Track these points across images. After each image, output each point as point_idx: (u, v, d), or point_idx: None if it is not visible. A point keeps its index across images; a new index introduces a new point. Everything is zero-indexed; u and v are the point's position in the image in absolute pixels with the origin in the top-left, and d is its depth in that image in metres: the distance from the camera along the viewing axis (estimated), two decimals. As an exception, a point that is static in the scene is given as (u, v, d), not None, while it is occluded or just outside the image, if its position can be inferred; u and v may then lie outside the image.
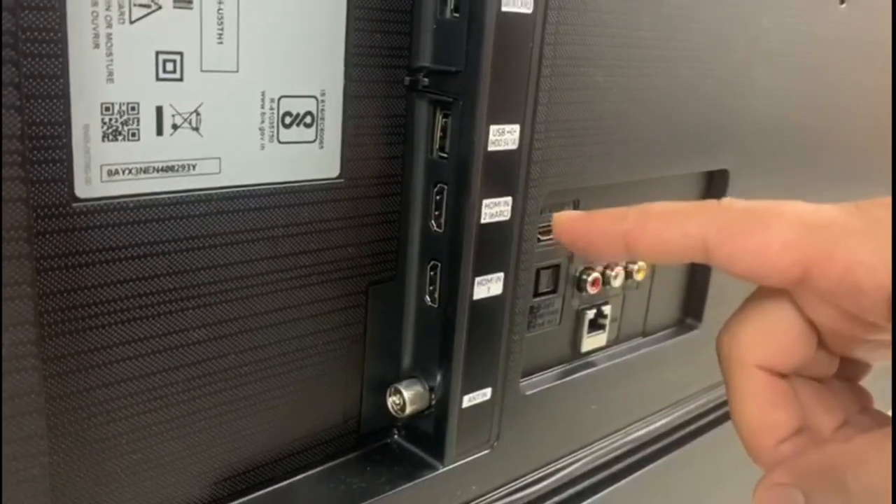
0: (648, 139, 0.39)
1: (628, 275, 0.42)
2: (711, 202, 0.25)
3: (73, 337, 0.25)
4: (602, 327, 0.42)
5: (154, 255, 0.26)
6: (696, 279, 0.47)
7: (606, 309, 0.41)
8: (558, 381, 0.39)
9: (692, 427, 0.48)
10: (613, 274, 0.41)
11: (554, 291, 0.39)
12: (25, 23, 0.21)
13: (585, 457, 0.42)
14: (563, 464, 0.41)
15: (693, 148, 0.42)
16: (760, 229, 0.23)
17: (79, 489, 0.26)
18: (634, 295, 0.44)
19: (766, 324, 0.25)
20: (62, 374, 0.25)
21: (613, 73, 0.36)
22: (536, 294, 0.38)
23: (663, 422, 0.46)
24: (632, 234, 0.25)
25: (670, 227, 0.25)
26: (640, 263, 0.42)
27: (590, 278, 0.40)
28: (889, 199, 0.22)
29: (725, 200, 0.25)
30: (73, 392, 0.25)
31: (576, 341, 0.41)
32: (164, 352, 0.27)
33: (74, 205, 0.24)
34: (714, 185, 0.46)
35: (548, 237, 0.38)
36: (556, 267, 0.38)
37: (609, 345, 0.43)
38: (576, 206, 0.38)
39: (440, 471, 0.34)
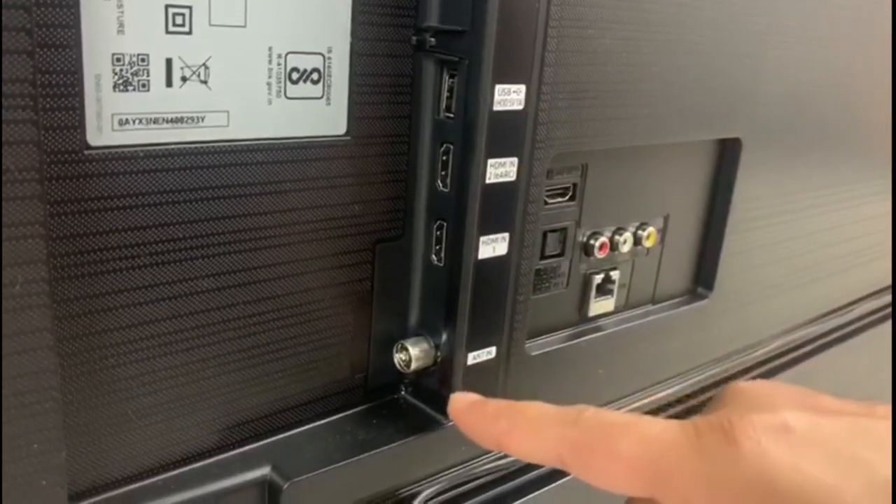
0: (658, 104, 0.39)
1: (637, 241, 0.42)
2: (573, 413, 0.26)
3: (84, 280, 0.26)
4: (610, 292, 0.42)
5: (164, 203, 0.27)
6: (708, 248, 0.47)
7: (615, 274, 0.42)
8: (565, 344, 0.40)
9: (701, 398, 0.48)
10: (622, 239, 0.41)
11: (561, 255, 0.39)
12: (38, -28, 0.22)
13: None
14: (569, 426, 0.41)
15: (705, 115, 0.42)
16: (607, 451, 0.24)
17: (91, 427, 0.27)
18: (644, 261, 0.44)
19: None
20: (74, 316, 0.26)
21: (622, 36, 0.36)
22: (543, 257, 0.38)
23: (671, 391, 0.47)
24: (502, 437, 0.28)
25: (530, 440, 0.27)
26: (650, 229, 0.43)
27: (597, 243, 0.40)
28: (727, 419, 0.23)
29: (587, 413, 0.26)
30: (84, 334, 0.26)
31: (583, 305, 0.41)
32: (172, 299, 0.28)
33: (87, 152, 0.25)
34: (726, 153, 0.45)
35: (556, 200, 0.38)
36: (564, 230, 0.39)
37: (617, 310, 0.43)
38: (584, 171, 0.38)
39: (446, 426, 0.35)
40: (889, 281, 0.66)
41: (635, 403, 0.44)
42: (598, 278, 0.41)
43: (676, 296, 0.47)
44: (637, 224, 0.43)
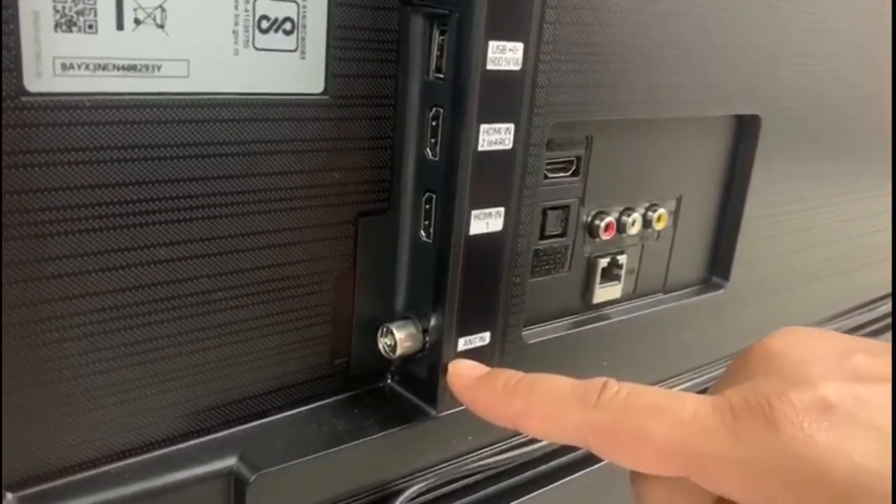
0: (673, 73, 0.36)
1: (647, 223, 0.39)
2: (592, 392, 0.24)
3: (23, 243, 0.23)
4: (617, 278, 0.39)
5: (114, 160, 0.24)
6: (724, 233, 0.44)
7: (622, 258, 0.39)
8: (566, 332, 0.37)
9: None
10: (630, 220, 0.38)
11: (563, 234, 0.36)
12: None
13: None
14: (571, 421, 0.38)
15: (723, 88, 0.39)
16: (636, 437, 0.23)
17: (31, 408, 0.25)
18: (654, 246, 0.41)
19: (671, 485, 0.25)
20: (11, 283, 0.23)
21: (632, -3, 0.33)
22: (543, 236, 0.36)
23: (683, 386, 0.43)
24: (518, 421, 0.26)
25: (550, 423, 0.25)
26: (661, 211, 0.40)
27: (603, 223, 0.37)
28: (765, 399, 0.22)
29: (607, 392, 0.24)
30: (23, 303, 0.23)
31: (587, 291, 0.38)
32: (124, 268, 0.25)
33: (24, 98, 0.22)
34: (745, 131, 0.42)
35: (557, 174, 0.35)
36: (566, 208, 0.36)
37: (624, 298, 0.40)
38: (589, 143, 0.35)
39: (432, 417, 0.32)
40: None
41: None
42: (604, 262, 0.38)
43: (689, 285, 0.44)
44: (647, 205, 0.40)
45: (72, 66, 0.23)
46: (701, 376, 0.44)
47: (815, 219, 0.49)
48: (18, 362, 0.24)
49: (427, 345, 0.32)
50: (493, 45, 0.29)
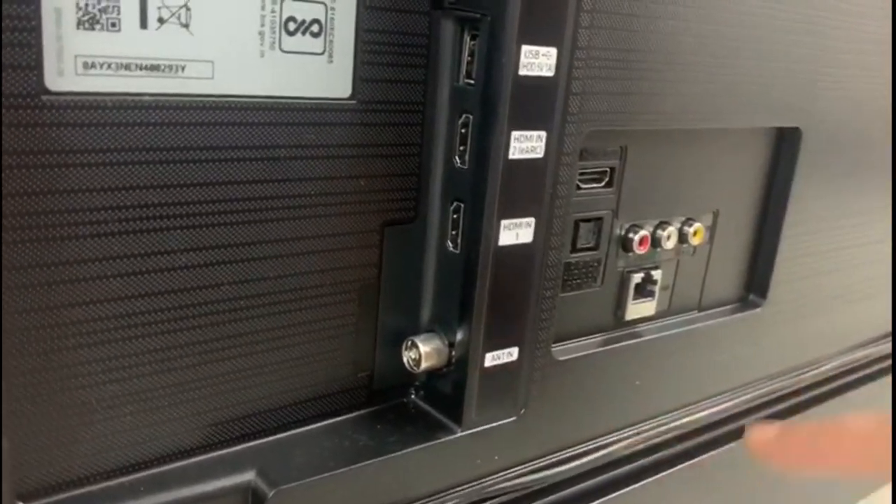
0: (711, 82, 0.35)
1: (682, 237, 0.38)
2: None
3: (41, 246, 0.22)
4: (651, 294, 0.38)
5: (136, 163, 0.23)
6: (763, 251, 0.42)
7: (656, 274, 0.37)
8: (598, 349, 0.36)
9: (751, 418, 0.43)
10: (665, 234, 0.37)
11: (595, 248, 0.35)
12: None
13: (628, 437, 0.38)
14: (602, 443, 0.37)
15: (763, 99, 0.38)
16: None
17: (46, 416, 0.24)
18: (690, 262, 0.39)
19: None
20: (28, 287, 0.23)
21: (672, 3, 0.32)
22: (575, 249, 0.34)
23: (716, 409, 0.42)
24: None
25: None
26: (697, 225, 0.38)
27: (637, 236, 0.36)
28: None
29: None
30: (40, 308, 0.23)
31: (619, 307, 0.37)
32: (145, 274, 0.25)
33: (45, 97, 0.22)
34: (784, 145, 0.41)
35: (590, 185, 0.34)
36: (598, 220, 0.35)
37: (658, 315, 0.39)
38: (623, 154, 0.34)
39: (457, 435, 0.31)
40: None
41: (675, 422, 0.40)
42: (638, 277, 0.37)
43: (726, 303, 0.43)
44: (683, 219, 0.38)
45: (94, 66, 0.22)
46: (737, 398, 0.42)
47: (855, 236, 0.47)
48: (33, 368, 0.23)
49: (453, 359, 0.31)
50: (525, 49, 0.28)
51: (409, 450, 0.30)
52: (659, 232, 0.37)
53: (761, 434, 0.28)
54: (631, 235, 0.36)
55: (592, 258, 0.35)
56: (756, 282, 0.43)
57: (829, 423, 0.27)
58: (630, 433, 0.38)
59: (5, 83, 0.21)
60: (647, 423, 0.38)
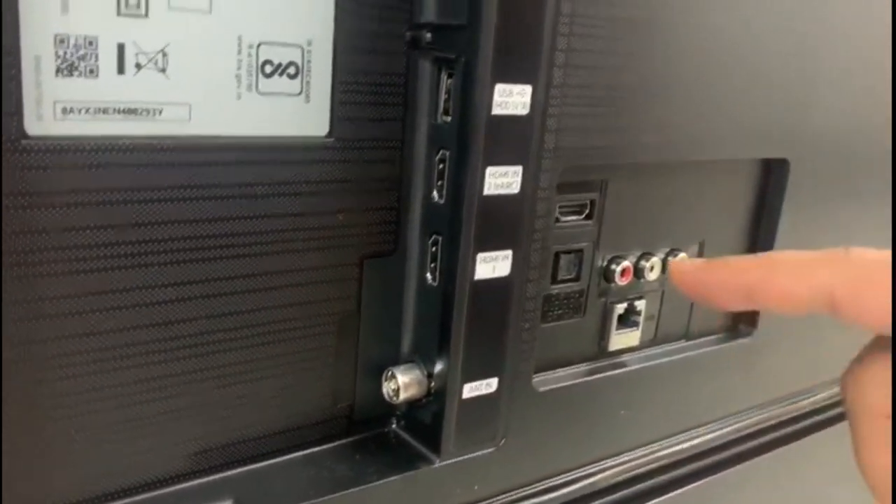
0: (692, 116, 0.35)
1: (666, 268, 0.38)
2: (838, 253, 0.25)
3: (22, 283, 0.23)
4: (635, 324, 0.38)
5: (114, 203, 0.24)
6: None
7: (640, 304, 0.38)
8: (580, 380, 0.36)
9: (740, 448, 0.43)
10: (648, 265, 0.37)
11: (576, 279, 0.35)
12: (-34, -60, 0.20)
13: (611, 468, 0.38)
14: (584, 473, 0.37)
15: (748, 130, 0.38)
16: (888, 285, 0.23)
17: (25, 445, 0.25)
18: (676, 292, 0.40)
19: (889, 374, 0.24)
20: (9, 322, 0.23)
21: (650, 38, 0.33)
22: (556, 281, 0.35)
23: (705, 438, 0.42)
24: (757, 288, 0.26)
25: (798, 280, 0.25)
26: (681, 255, 0.38)
27: (619, 268, 0.36)
28: None
29: (854, 251, 0.24)
30: (20, 342, 0.24)
31: (603, 338, 0.37)
32: (122, 309, 0.25)
33: (24, 141, 0.22)
34: (772, 175, 0.41)
35: (569, 218, 0.34)
36: (579, 252, 0.35)
37: (644, 345, 0.39)
38: (604, 187, 0.35)
39: (436, 465, 0.32)
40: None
41: (664, 451, 0.40)
42: (621, 308, 0.37)
43: (714, 332, 0.43)
44: (667, 250, 0.38)
45: (72, 110, 0.23)
46: (724, 428, 0.42)
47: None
48: (12, 401, 0.24)
49: (432, 390, 0.32)
50: (499, 88, 0.28)
51: (387, 480, 0.30)
52: (642, 263, 0.37)
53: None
54: (613, 267, 0.36)
55: (574, 290, 0.36)
56: (745, 311, 0.43)
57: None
58: (614, 463, 0.38)
59: (-14, 129, 0.22)
60: (632, 453, 0.39)
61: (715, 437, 0.42)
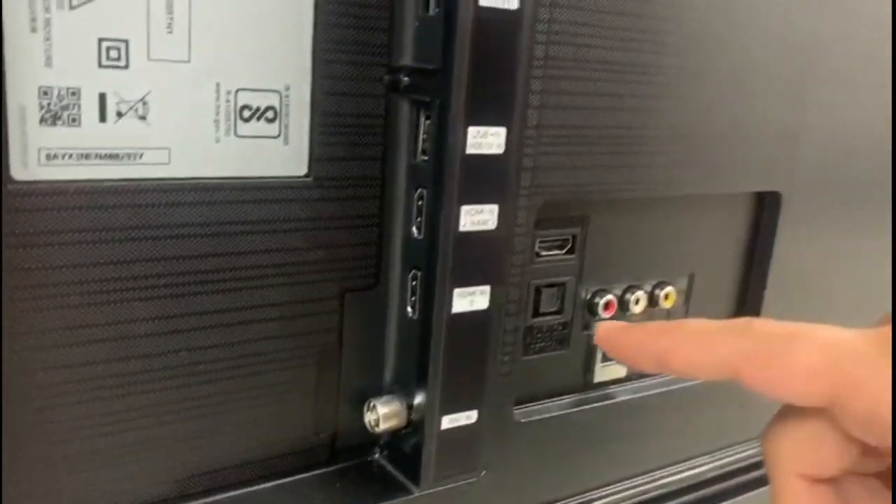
0: (675, 152, 0.36)
1: (654, 301, 0.38)
2: (742, 323, 0.25)
3: (9, 319, 0.25)
4: (621, 357, 0.38)
5: (96, 242, 0.26)
6: (745, 314, 0.43)
7: (626, 337, 0.38)
8: (564, 412, 0.36)
9: (732, 482, 0.43)
10: (633, 298, 0.37)
11: (559, 312, 0.36)
12: (-45, 3, 0.22)
13: (596, 500, 0.38)
14: (568, 504, 0.37)
15: (734, 165, 0.38)
16: (786, 359, 0.23)
17: (14, 470, 0.26)
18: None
19: (802, 434, 0.25)
20: (-6, 354, 0.25)
21: (626, 79, 0.33)
22: (537, 314, 0.35)
23: (696, 471, 0.42)
24: (667, 355, 0.27)
25: (701, 350, 0.26)
26: (669, 289, 0.39)
27: (602, 301, 0.36)
28: None
29: (755, 323, 0.25)
30: (7, 374, 0.25)
31: (588, 370, 0.38)
32: (104, 342, 0.27)
33: (10, 186, 0.24)
34: (764, 209, 0.41)
35: (551, 252, 0.35)
36: (561, 286, 0.36)
37: (630, 378, 0.39)
38: (585, 222, 0.35)
39: (414, 495, 0.32)
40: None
41: (651, 483, 0.40)
42: (606, 341, 0.38)
43: (707, 364, 0.43)
44: (655, 282, 0.39)
45: (56, 156, 0.25)
46: (717, 461, 0.42)
47: (847, 296, 0.46)
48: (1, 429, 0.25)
49: (412, 421, 0.32)
50: (473, 130, 0.29)
51: (363, 509, 0.31)
52: (627, 296, 0.37)
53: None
54: (596, 300, 0.37)
55: (557, 322, 0.36)
56: (738, 343, 0.43)
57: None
58: (600, 494, 0.38)
59: (-26, 175, 0.23)
60: (619, 485, 0.39)
61: (706, 469, 0.42)
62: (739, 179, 0.39)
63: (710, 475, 0.42)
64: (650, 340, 0.28)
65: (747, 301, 0.42)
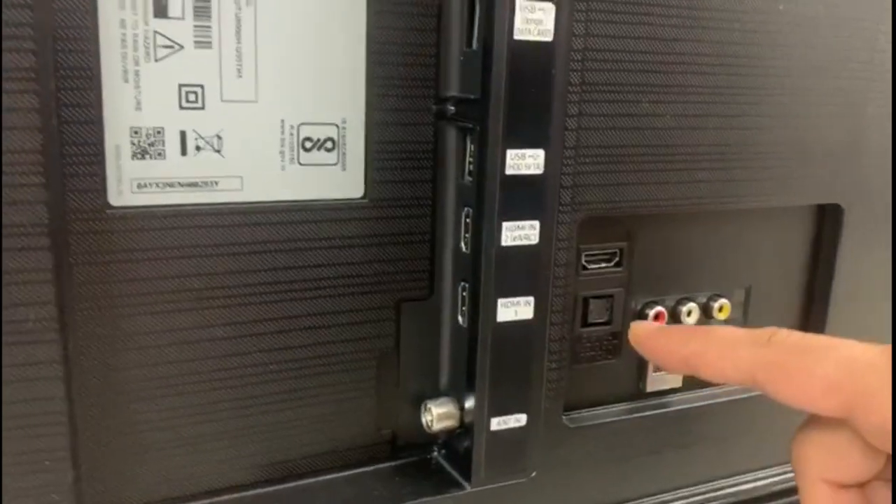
0: (722, 167, 0.37)
1: (707, 312, 0.39)
2: (765, 333, 0.27)
3: (108, 322, 0.29)
4: (674, 367, 0.39)
5: (180, 257, 0.30)
6: (811, 323, 0.43)
7: (678, 347, 0.39)
8: (613, 419, 0.38)
9: (789, 499, 0.42)
10: (685, 310, 0.39)
11: (608, 323, 0.38)
12: (64, 61, 0.27)
13: (650, 506, 0.39)
14: (621, 509, 0.39)
15: (788, 177, 0.39)
16: (804, 371, 0.25)
17: (107, 459, 0.31)
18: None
19: (826, 441, 0.26)
20: (88, 353, 0.30)
21: (666, 100, 0.35)
22: (586, 324, 0.37)
23: (745, 487, 0.42)
24: (693, 359, 0.28)
25: (725, 358, 0.27)
26: (722, 301, 0.39)
27: (652, 312, 0.38)
28: None
29: (779, 334, 0.26)
30: (107, 369, 0.30)
31: (641, 378, 0.39)
32: (188, 343, 0.31)
33: (108, 211, 0.29)
34: (825, 221, 0.41)
35: (598, 265, 0.37)
36: (609, 297, 0.37)
37: (686, 387, 0.40)
38: (629, 236, 0.37)
39: (466, 491, 0.35)
40: None
41: (697, 497, 0.40)
42: (658, 350, 0.39)
43: (771, 376, 0.43)
44: (708, 295, 0.40)
45: (145, 185, 0.29)
46: (769, 478, 0.42)
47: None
48: (98, 416, 0.30)
49: (464, 423, 0.35)
50: (511, 152, 0.32)
51: (419, 500, 0.34)
52: (680, 307, 0.39)
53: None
54: (647, 311, 0.38)
55: (606, 332, 0.38)
56: (803, 356, 0.43)
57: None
58: (651, 502, 0.39)
59: (80, 202, 0.28)
60: (671, 493, 0.40)
61: (757, 486, 0.42)
62: (795, 193, 0.39)
63: (766, 491, 0.42)
64: (680, 343, 0.29)
65: (811, 315, 0.42)
